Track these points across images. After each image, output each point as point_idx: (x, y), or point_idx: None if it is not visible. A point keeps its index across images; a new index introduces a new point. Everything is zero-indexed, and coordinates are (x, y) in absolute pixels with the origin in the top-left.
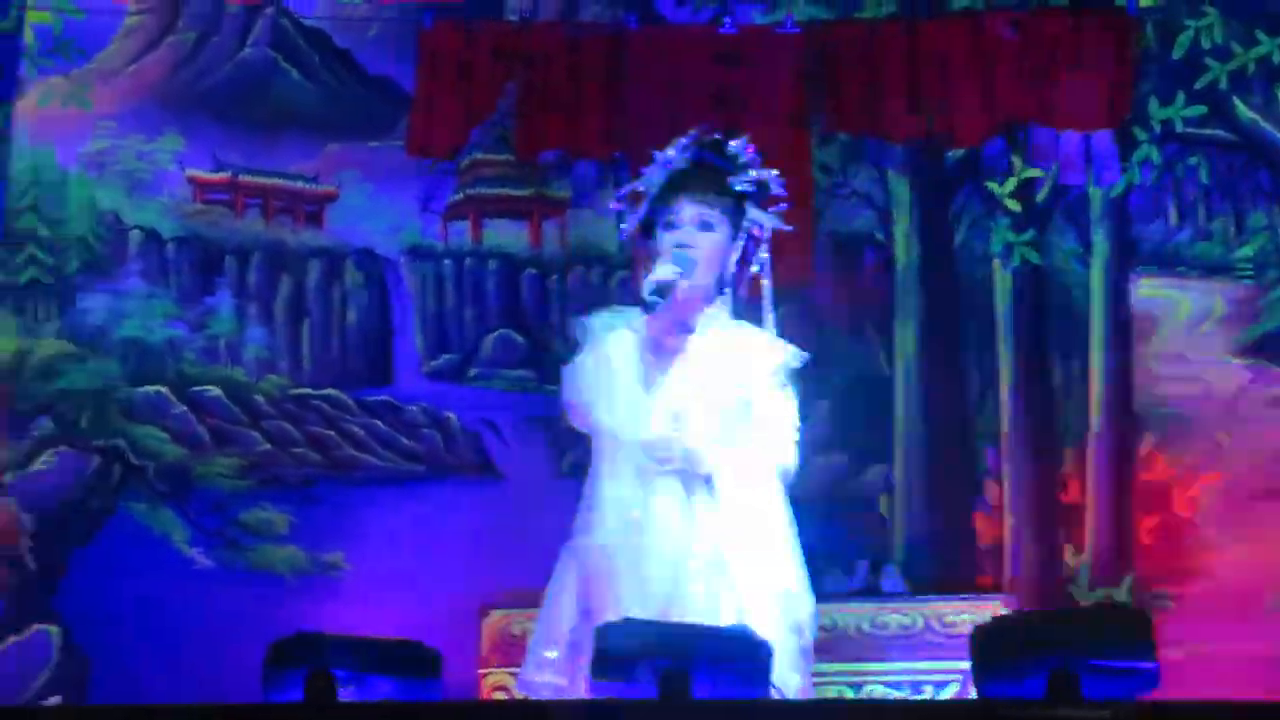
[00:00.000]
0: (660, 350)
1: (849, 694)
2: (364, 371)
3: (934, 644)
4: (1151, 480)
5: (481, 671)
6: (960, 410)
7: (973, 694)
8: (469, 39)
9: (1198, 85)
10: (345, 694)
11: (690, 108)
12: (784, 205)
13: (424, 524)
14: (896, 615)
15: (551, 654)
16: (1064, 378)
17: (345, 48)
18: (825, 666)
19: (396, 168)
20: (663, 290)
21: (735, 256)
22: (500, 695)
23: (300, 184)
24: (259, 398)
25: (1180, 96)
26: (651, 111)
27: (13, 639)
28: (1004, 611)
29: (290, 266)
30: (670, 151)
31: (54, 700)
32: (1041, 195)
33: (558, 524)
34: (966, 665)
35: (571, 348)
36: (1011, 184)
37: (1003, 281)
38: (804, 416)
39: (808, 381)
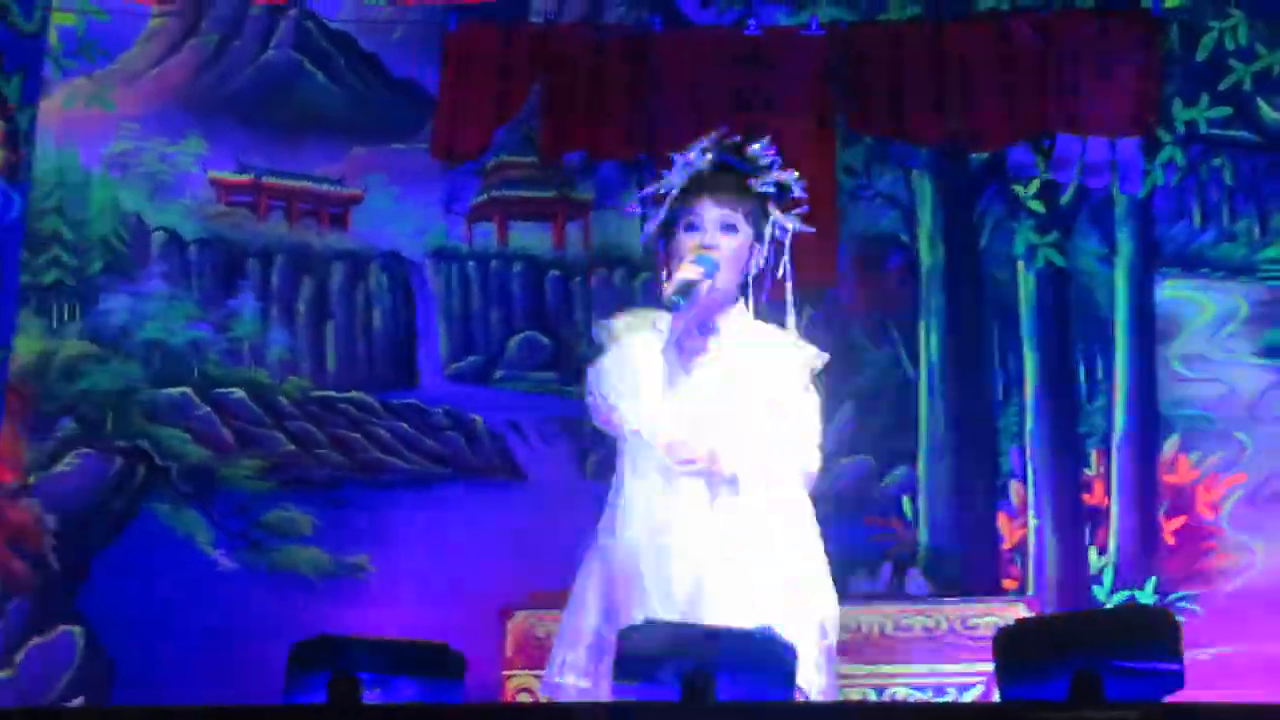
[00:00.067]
0: (683, 351)
1: (872, 696)
2: (389, 374)
3: (957, 646)
4: (1175, 482)
5: (505, 673)
6: (984, 412)
7: (996, 696)
8: (493, 41)
9: (1222, 86)
10: (369, 696)
11: (714, 109)
12: (805, 208)
13: (448, 526)
14: (920, 617)
15: (575, 656)
16: (1088, 379)
17: (370, 50)
18: (849, 668)
19: (421, 170)
20: (686, 291)
21: (757, 258)
22: (524, 697)
23: (325, 186)
24: (282, 399)
25: (1204, 98)
26: (676, 113)
27: (37, 640)
28: (1027, 614)
29: (314, 269)
30: (691, 154)
31: (77, 701)
32: (1066, 197)
33: (582, 526)
34: (990, 667)
35: (595, 350)
36: (1035, 186)
37: (1026, 283)
38: (828, 418)
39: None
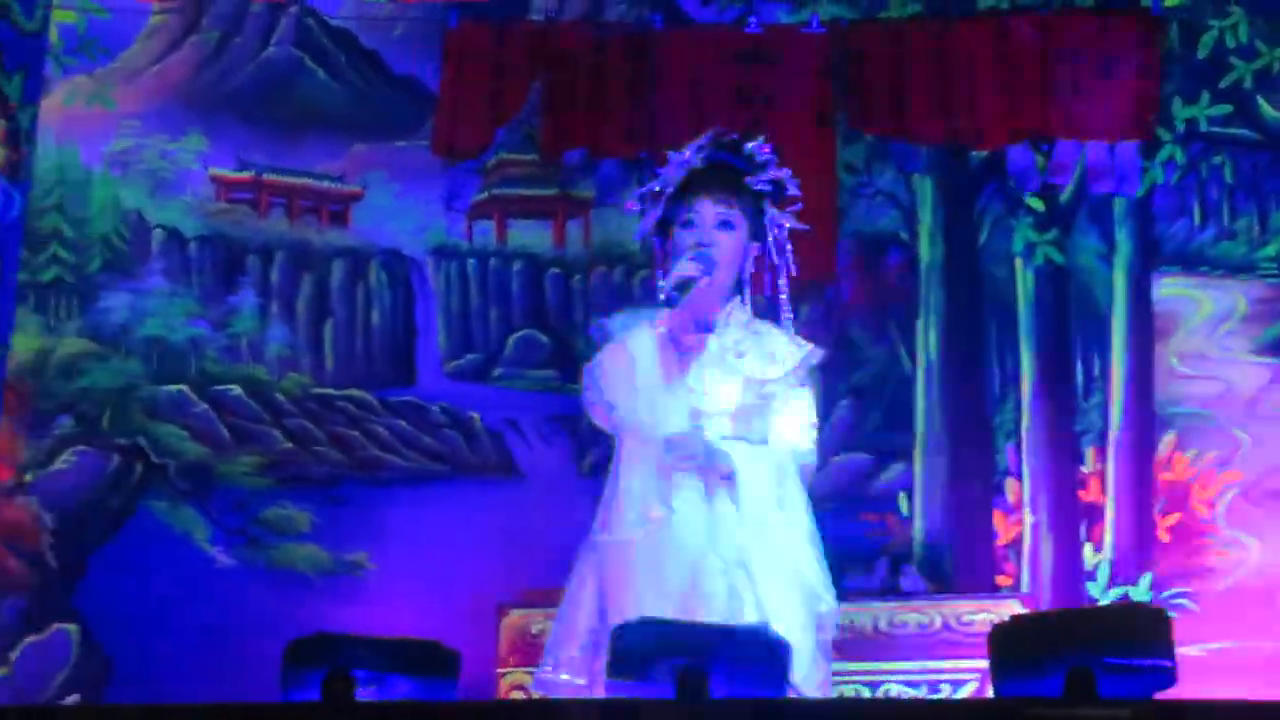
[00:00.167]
0: (680, 348)
1: (866, 693)
2: (388, 371)
3: (952, 643)
4: (1171, 479)
5: (500, 671)
6: (981, 409)
7: (990, 693)
8: (494, 39)
9: (1222, 84)
10: (363, 694)
11: (715, 107)
12: (800, 205)
13: (446, 523)
14: (915, 614)
15: (570, 653)
16: (1085, 377)
17: (371, 47)
18: (843, 665)
19: (422, 167)
20: (684, 287)
21: (753, 255)
22: (518, 695)
23: (326, 183)
24: (281, 397)
25: (1205, 96)
26: (676, 111)
27: (33, 637)
28: (1022, 610)
29: (314, 266)
30: (687, 152)
31: (73, 699)
32: (1065, 196)
33: (579, 524)
34: (984, 664)
35: (593, 348)
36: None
37: (1025, 281)
38: (825, 415)
39: (830, 380)
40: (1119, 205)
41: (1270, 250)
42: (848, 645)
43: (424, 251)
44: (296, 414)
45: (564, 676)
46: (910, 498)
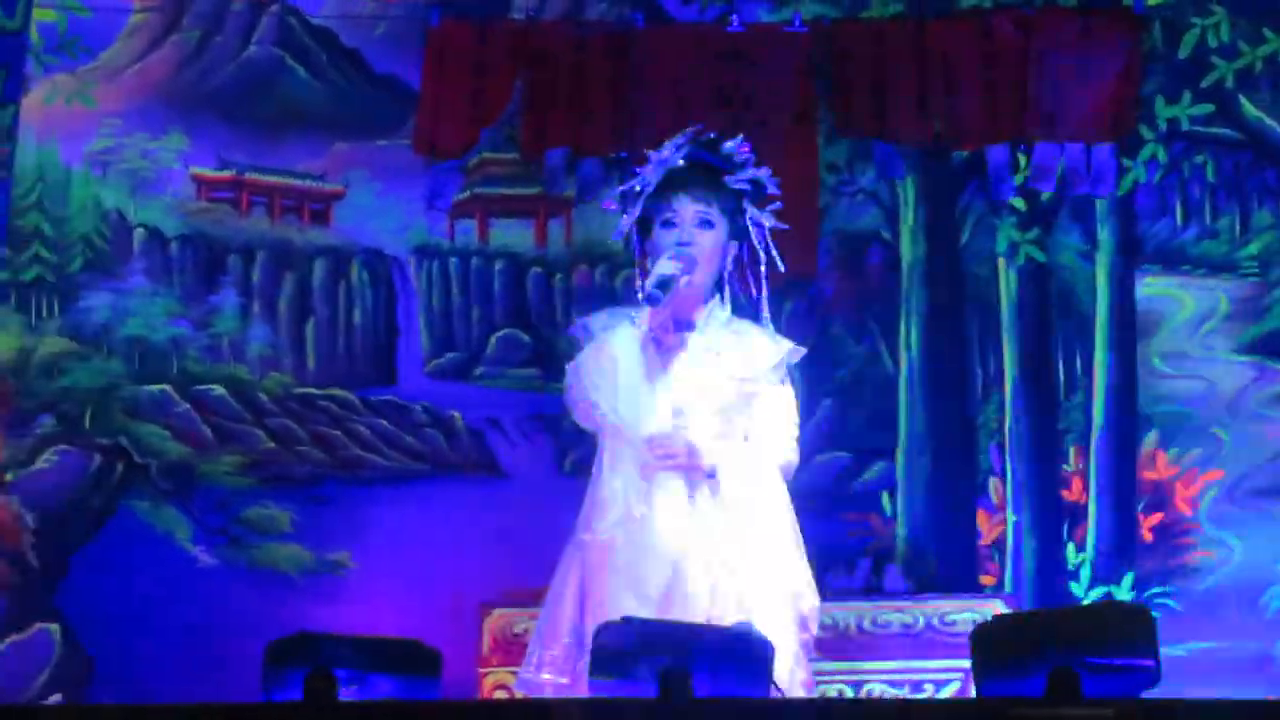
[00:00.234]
0: (661, 347)
1: (849, 693)
2: (369, 370)
3: (935, 642)
4: (1154, 478)
5: (482, 670)
6: (964, 408)
7: (973, 692)
8: (476, 37)
9: (1204, 84)
10: (345, 693)
11: (697, 106)
12: (779, 204)
13: (428, 523)
14: (898, 614)
15: (552, 652)
16: (1067, 376)
17: (352, 46)
18: (826, 665)
19: (404, 166)
20: (665, 286)
21: (733, 254)
22: (501, 694)
23: (307, 182)
24: (263, 396)
25: (1187, 95)
26: (658, 110)
27: (14, 637)
28: (1005, 610)
29: (295, 265)
30: (665, 151)
31: (55, 698)
32: (1047, 194)
33: (561, 523)
34: (967, 664)
35: (574, 347)
36: (1017, 180)
37: (1007, 279)
38: (808, 414)
39: (812, 379)
40: (1101, 204)
41: (1252, 249)
42: (831, 645)
43: (406, 250)
44: (278, 413)
45: (547, 676)
46: (893, 497)
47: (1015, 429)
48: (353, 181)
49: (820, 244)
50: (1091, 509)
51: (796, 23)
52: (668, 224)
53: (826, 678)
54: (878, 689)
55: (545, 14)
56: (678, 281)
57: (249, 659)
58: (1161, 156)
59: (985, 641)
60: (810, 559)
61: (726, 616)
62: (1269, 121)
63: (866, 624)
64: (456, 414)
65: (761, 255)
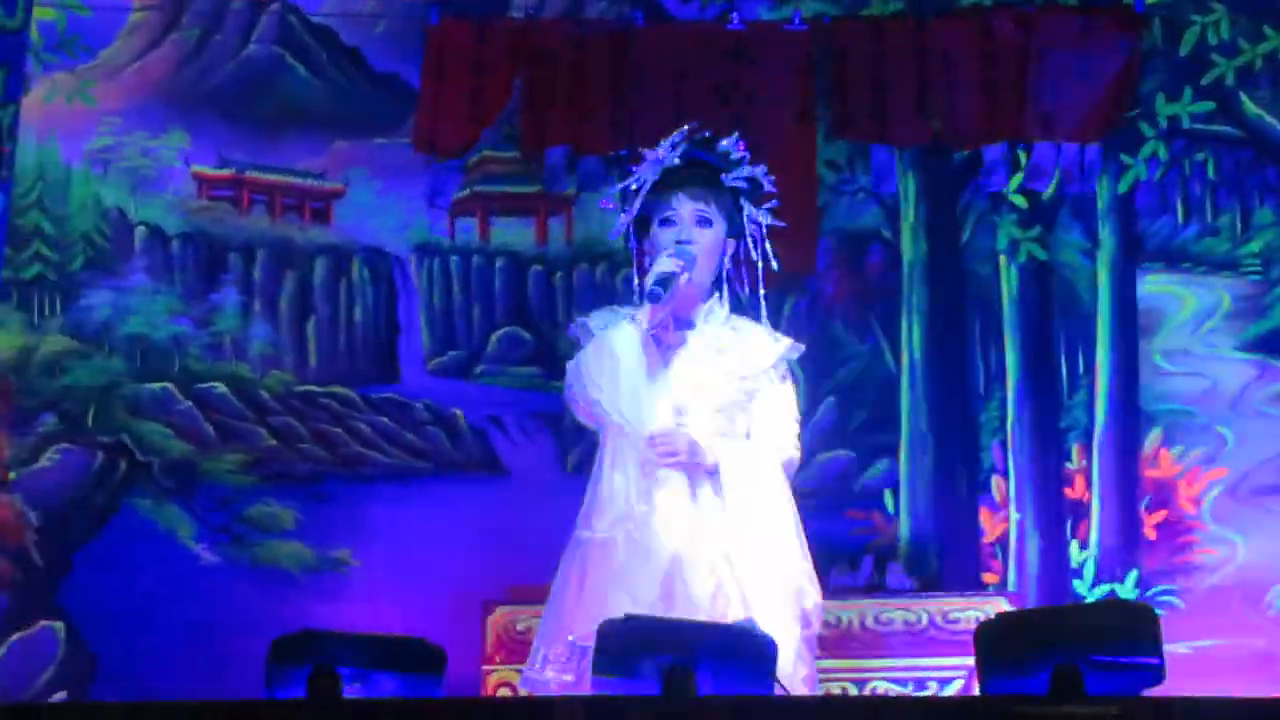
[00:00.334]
0: (661, 345)
1: (853, 690)
2: (370, 368)
3: (938, 640)
4: (1157, 476)
5: (486, 668)
6: (966, 406)
7: (977, 690)
8: (475, 36)
9: (1204, 81)
10: (349, 691)
11: (696, 104)
12: (776, 201)
13: (430, 521)
14: (901, 611)
15: (556, 650)
16: (1070, 374)
17: (352, 45)
18: (829, 663)
19: (404, 164)
20: (666, 283)
21: (731, 252)
22: (505, 692)
23: (307, 181)
24: (264, 394)
25: (1187, 92)
26: (658, 108)
27: (18, 635)
28: (1008, 608)
29: (296, 263)
30: (661, 150)
31: (59, 696)
32: (1048, 192)
33: (563, 521)
34: (971, 662)
35: (573, 346)
36: (1017, 180)
37: (1009, 277)
38: (810, 413)
39: (813, 378)
40: (1102, 201)
41: (1253, 247)
42: (834, 642)
43: (406, 249)
44: (280, 411)
45: (551, 674)
46: (895, 495)
47: (1018, 427)
48: (353, 180)
49: (821, 243)
50: (1094, 507)
51: (796, 20)
52: (666, 222)
53: (830, 676)
54: (881, 687)
55: (545, 12)
56: (678, 279)
57: (252, 657)
58: (1162, 154)
59: (989, 639)
60: (813, 557)
61: (729, 614)
62: (1269, 119)
63: (869, 622)
64: (458, 412)
65: (757, 253)
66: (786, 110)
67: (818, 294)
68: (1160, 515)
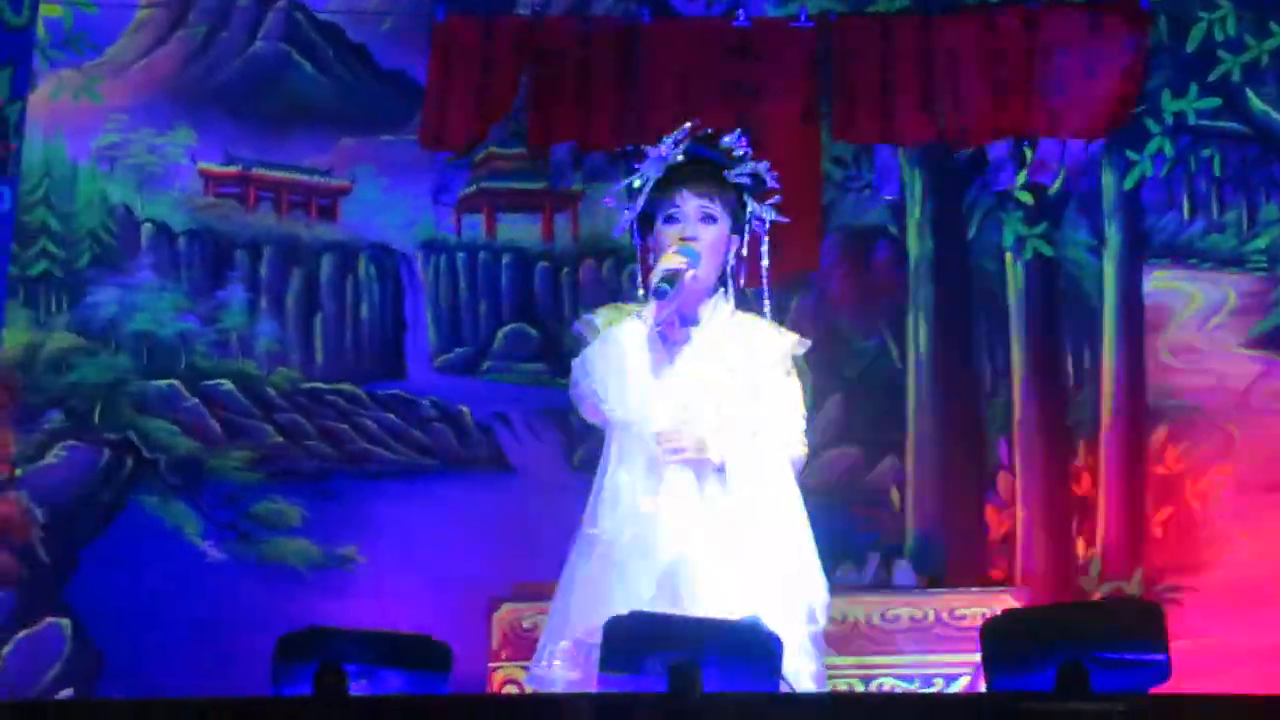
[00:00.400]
0: (667, 342)
1: (859, 686)
2: (377, 365)
3: (945, 637)
4: (1163, 473)
5: (492, 665)
6: (972, 403)
7: (983, 687)
8: (482, 33)
9: (1211, 77)
10: (355, 688)
11: (702, 101)
12: (779, 197)
13: (436, 518)
14: (907, 608)
15: (562, 647)
16: (1076, 370)
17: (359, 41)
18: (836, 659)
19: (410, 161)
20: (672, 280)
21: (735, 248)
22: (511, 689)
23: (314, 178)
24: (271, 391)
25: (1193, 89)
26: (664, 104)
27: (24, 632)
28: (1015, 604)
29: (303, 260)
30: (663, 147)
31: (66, 693)
32: (1054, 189)
33: (570, 518)
34: (977, 658)
35: (578, 343)
36: (1023, 176)
37: (1015, 274)
38: (816, 409)
39: (819, 374)
40: (1108, 198)
41: (1260, 243)
42: (840, 639)
43: (413, 245)
44: (287, 408)
45: (557, 671)
46: (902, 492)
47: (1024, 423)
48: (359, 177)
49: (827, 239)
50: (1101, 503)
51: (803, 18)
52: (670, 219)
53: (836, 672)
54: (887, 683)
55: (551, 9)
56: (684, 276)
57: (258, 654)
58: (1168, 150)
59: (995, 636)
60: (819, 554)
61: (734, 611)
62: (1276, 115)
63: (876, 619)
64: (465, 408)
65: (764, 249)
66: (792, 108)
67: (824, 291)
68: (1166, 512)
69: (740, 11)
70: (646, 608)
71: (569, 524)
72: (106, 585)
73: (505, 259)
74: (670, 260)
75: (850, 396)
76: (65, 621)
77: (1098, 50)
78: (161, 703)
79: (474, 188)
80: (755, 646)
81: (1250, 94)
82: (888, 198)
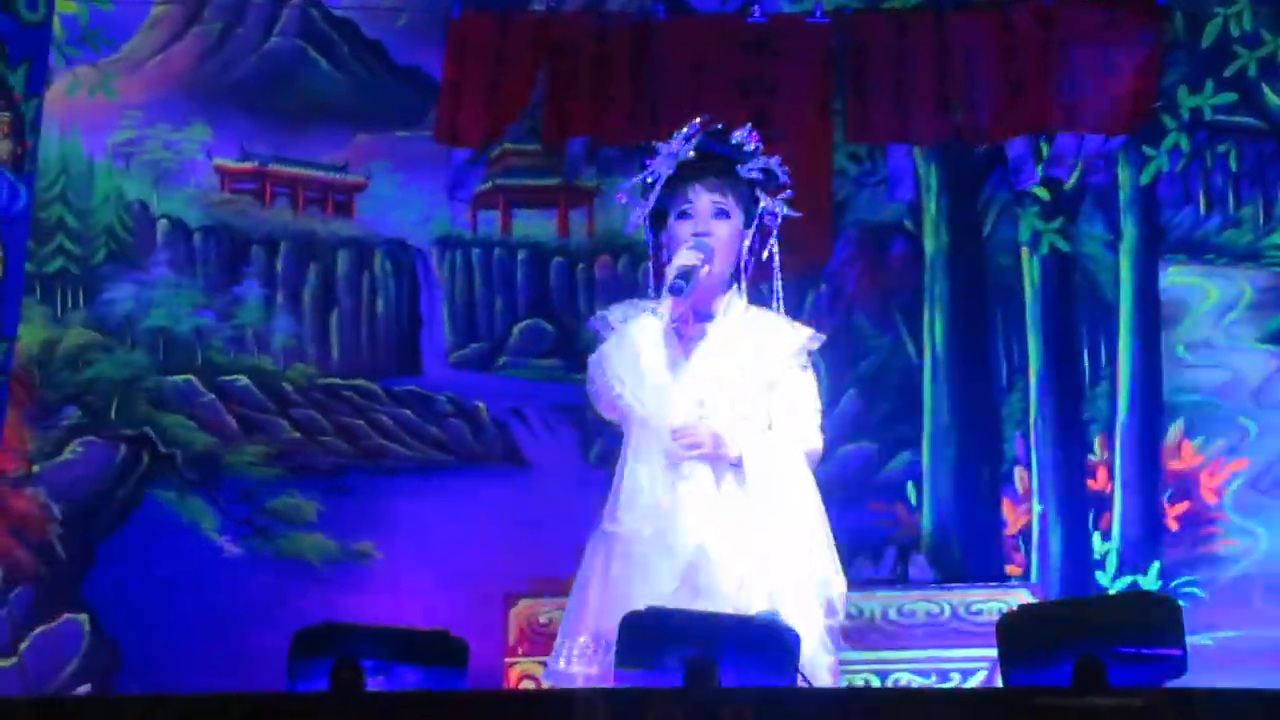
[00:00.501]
0: (682, 337)
1: (876, 682)
2: (393, 361)
3: (961, 632)
4: (1179, 467)
5: (508, 660)
6: (988, 398)
7: (999, 682)
8: (497, 29)
9: (1227, 73)
10: (372, 683)
11: (717, 97)
12: (791, 192)
13: (452, 513)
14: (924, 603)
15: (579, 643)
16: (1092, 365)
17: (374, 38)
18: (852, 654)
19: (426, 157)
20: (687, 276)
21: (748, 243)
22: (528, 684)
23: (330, 174)
24: (287, 386)
25: (1209, 84)
26: (679, 100)
27: (42, 628)
28: (1031, 599)
29: (319, 256)
30: (675, 143)
31: (84, 689)
32: (1070, 184)
33: (585, 513)
34: (994, 653)
35: (593, 339)
36: (1039, 171)
37: (1031, 269)
38: (832, 405)
39: (835, 370)
40: (1124, 193)
41: (1276, 238)
42: (857, 634)
43: (428, 241)
44: (303, 404)
45: (575, 667)
46: (918, 487)
47: (1040, 418)
48: (375, 173)
49: (843, 235)
50: (1117, 498)
51: (818, 14)
52: (684, 215)
53: (852, 667)
54: (904, 678)
55: (566, 5)
56: (699, 272)
57: (275, 649)
58: (1184, 146)
59: (1011, 631)
60: (836, 549)
61: (753, 605)
62: None
63: (892, 614)
64: (481, 404)
65: (775, 245)
66: (807, 103)
67: (840, 286)
68: (1183, 506)
69: (755, 7)
70: (668, 603)
71: (585, 519)
72: (124, 581)
73: (521, 254)
74: (686, 257)
75: (866, 391)
76: (83, 617)
77: (1113, 46)
78: (178, 698)
79: (489, 183)
80: (772, 642)
81: (1266, 89)
82: (902, 200)
